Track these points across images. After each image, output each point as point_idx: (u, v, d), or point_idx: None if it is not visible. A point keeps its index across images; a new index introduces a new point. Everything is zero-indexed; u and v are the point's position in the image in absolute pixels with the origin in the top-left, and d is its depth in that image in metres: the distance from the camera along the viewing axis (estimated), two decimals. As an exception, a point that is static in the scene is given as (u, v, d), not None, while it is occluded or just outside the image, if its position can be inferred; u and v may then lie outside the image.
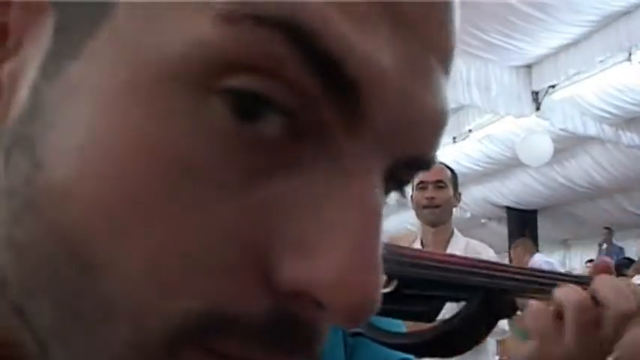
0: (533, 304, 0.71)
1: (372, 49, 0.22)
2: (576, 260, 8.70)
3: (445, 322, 0.68)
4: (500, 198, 8.25)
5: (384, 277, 0.22)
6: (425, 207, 2.18)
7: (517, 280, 0.69)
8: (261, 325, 0.22)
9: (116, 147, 0.22)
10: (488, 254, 2.19)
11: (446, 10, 0.26)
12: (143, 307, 0.22)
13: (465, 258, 0.71)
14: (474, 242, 2.27)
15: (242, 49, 0.21)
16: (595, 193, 7.46)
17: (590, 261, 5.87)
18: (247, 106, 0.22)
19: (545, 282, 0.71)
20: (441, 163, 2.26)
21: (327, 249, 0.22)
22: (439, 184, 2.17)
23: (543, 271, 0.78)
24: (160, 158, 0.21)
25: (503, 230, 8.44)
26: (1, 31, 0.25)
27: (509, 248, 5.83)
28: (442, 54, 0.25)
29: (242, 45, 0.21)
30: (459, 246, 2.18)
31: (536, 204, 8.22)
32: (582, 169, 7.02)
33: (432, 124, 0.25)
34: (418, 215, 2.24)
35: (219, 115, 0.22)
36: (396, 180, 0.26)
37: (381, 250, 0.23)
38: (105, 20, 0.23)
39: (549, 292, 0.70)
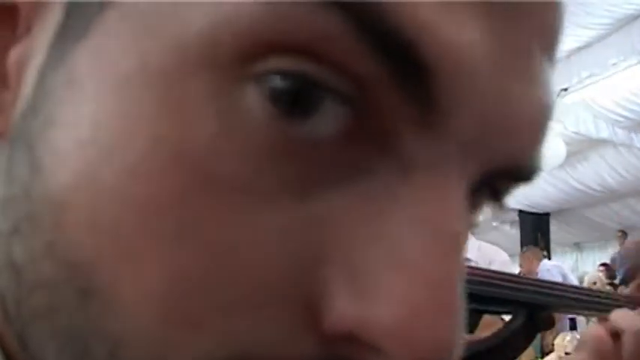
0: (594, 326, 0.75)
1: (457, 27, 0.18)
2: (589, 263, 8.66)
3: (494, 335, 0.71)
4: (512, 201, 8.22)
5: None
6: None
7: (560, 297, 0.74)
8: None
9: (124, 148, 0.18)
10: (501, 257, 2.18)
11: None
12: (157, 349, 0.17)
13: (510, 274, 0.75)
14: (486, 245, 2.26)
15: (286, 24, 0.17)
16: (608, 196, 7.43)
17: (603, 264, 5.85)
18: (292, 97, 0.17)
19: (587, 299, 0.76)
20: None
21: (390, 284, 0.17)
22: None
23: (584, 289, 0.84)
24: (179, 163, 0.17)
25: (515, 233, 8.43)
26: (10, 13, 0.22)
27: (522, 252, 5.85)
28: (548, 38, 0.20)
29: (286, 19, 0.17)
30: (472, 249, 2.17)
31: (548, 207, 8.19)
32: (595, 172, 6.99)
33: (533, 122, 0.20)
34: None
35: (256, 108, 0.17)
36: (490, 189, 0.21)
37: (460, 286, 0.18)
38: (114, 3, 0.19)
39: (592, 309, 0.75)
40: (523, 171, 0.21)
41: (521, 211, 8.30)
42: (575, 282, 3.86)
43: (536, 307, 0.71)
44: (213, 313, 0.17)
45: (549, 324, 0.76)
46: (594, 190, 7.33)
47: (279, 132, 0.17)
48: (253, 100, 0.17)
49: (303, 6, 0.17)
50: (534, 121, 0.20)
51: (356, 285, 0.18)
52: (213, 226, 0.17)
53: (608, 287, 4.51)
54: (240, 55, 0.17)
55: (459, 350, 0.18)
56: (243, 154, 0.17)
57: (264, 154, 0.18)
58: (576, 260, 9.35)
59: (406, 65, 0.17)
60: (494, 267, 2.07)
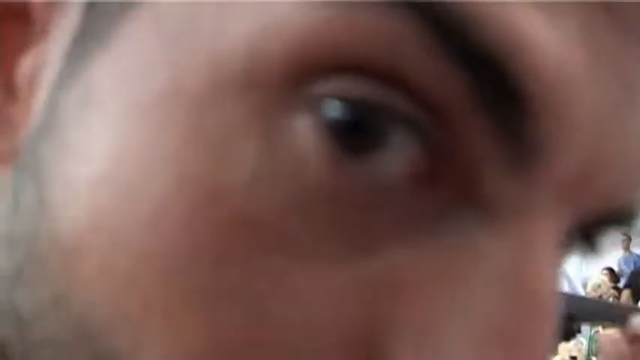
0: (612, 332, 0.80)
1: (561, 49, 0.14)
2: (593, 268, 8.65)
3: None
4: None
5: None
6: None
7: (583, 307, 0.79)
8: None
9: (147, 188, 0.15)
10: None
11: None
12: None
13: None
14: None
15: (349, 35, 0.14)
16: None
17: (608, 269, 5.84)
18: (354, 128, 0.14)
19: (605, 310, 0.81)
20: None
21: (464, 355, 0.14)
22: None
23: (605, 302, 0.90)
24: (213, 208, 0.14)
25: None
26: (21, 14, 0.18)
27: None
28: None
29: (350, 29, 0.14)
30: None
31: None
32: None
33: (631, 171, 0.17)
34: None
35: (308, 141, 0.14)
36: (581, 231, 0.18)
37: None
38: (141, 4, 0.16)
39: (611, 320, 0.79)
40: (624, 214, 0.18)
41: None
42: (579, 287, 3.82)
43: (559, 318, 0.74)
44: None
45: (572, 333, 0.82)
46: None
47: (337, 172, 0.14)
48: (305, 131, 0.14)
49: (371, 11, 0.13)
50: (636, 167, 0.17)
51: (429, 356, 0.15)
52: (254, 285, 0.15)
53: (612, 291, 4.52)
54: (291, 75, 0.14)
55: None
56: (292, 199, 0.14)
57: (318, 199, 0.15)
58: (580, 265, 9.32)
59: (498, 89, 0.14)
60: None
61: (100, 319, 0.15)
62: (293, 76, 0.14)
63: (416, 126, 0.14)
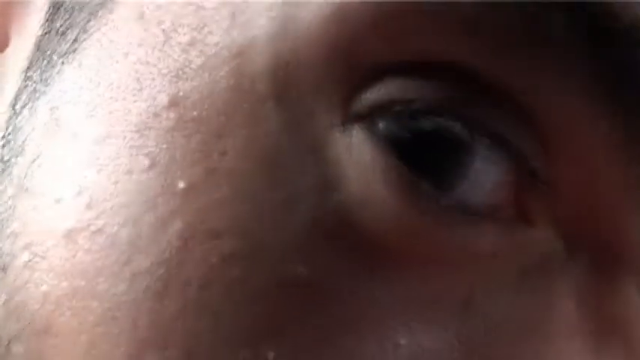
0: None
1: None
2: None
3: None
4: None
5: None
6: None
7: None
8: None
9: (142, 243, 0.11)
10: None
11: None
12: None
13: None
14: None
15: (415, 23, 0.10)
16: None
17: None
18: (426, 151, 0.11)
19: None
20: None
21: None
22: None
23: None
24: (245, 268, 0.10)
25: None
26: None
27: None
28: None
29: (417, 17, 0.10)
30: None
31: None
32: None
33: None
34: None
35: (363, 174, 0.11)
36: None
37: None
38: None
39: None
40: None
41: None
42: None
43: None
44: None
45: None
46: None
47: (408, 216, 0.11)
48: (362, 157, 0.11)
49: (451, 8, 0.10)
50: None
51: None
52: (324, 323, 0.11)
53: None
54: (338, 81, 0.11)
55: None
56: (350, 250, 0.11)
57: (382, 257, 0.11)
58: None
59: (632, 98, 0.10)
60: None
61: None
62: (341, 82, 0.11)
63: (507, 144, 0.11)
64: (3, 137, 0.14)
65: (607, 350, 0.11)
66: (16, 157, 0.13)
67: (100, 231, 0.11)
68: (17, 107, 0.14)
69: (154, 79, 0.11)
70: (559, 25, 0.10)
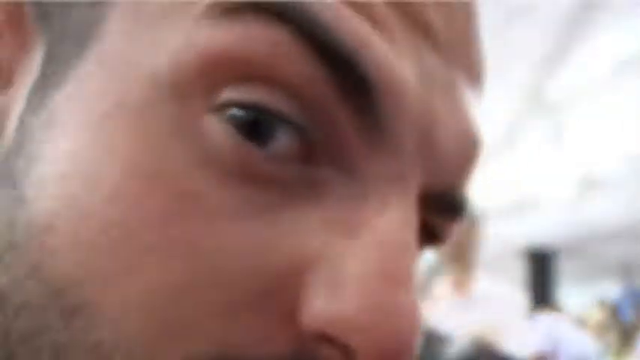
0: None
1: (390, 53, 0.20)
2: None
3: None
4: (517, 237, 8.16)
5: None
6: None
7: None
8: None
9: (104, 177, 0.19)
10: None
11: (471, 23, 0.23)
12: (142, 354, 0.18)
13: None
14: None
15: (240, 50, 0.19)
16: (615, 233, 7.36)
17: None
18: (250, 125, 0.19)
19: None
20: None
21: (356, 285, 0.19)
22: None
23: None
24: (155, 186, 0.19)
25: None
26: None
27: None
28: (470, 72, 0.23)
29: (239, 46, 0.19)
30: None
31: (557, 245, 8.12)
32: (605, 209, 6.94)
33: (459, 149, 0.22)
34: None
35: (219, 135, 0.19)
36: (427, 232, 0.24)
37: (412, 289, 0.20)
38: (93, 41, 0.21)
39: None
40: (453, 200, 0.23)
41: (528, 248, 8.24)
42: (577, 342, 3.46)
43: None
44: (194, 319, 0.19)
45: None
46: (604, 227, 7.26)
47: (241, 157, 0.19)
48: (216, 128, 0.19)
49: (259, 27, 0.19)
50: (462, 149, 0.22)
51: (327, 289, 0.19)
52: (189, 241, 0.19)
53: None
54: (202, 87, 0.19)
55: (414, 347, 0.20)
56: (212, 177, 0.19)
57: (230, 177, 0.19)
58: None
59: (353, 82, 0.19)
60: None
61: (69, 279, 0.19)
62: (203, 88, 0.19)
63: (299, 116, 0.20)
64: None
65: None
66: (24, 140, 0.22)
67: (83, 170, 0.20)
68: (24, 117, 0.22)
69: (110, 92, 0.20)
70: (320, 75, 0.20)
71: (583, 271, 8.82)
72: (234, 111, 0.19)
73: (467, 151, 0.22)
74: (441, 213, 0.23)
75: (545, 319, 3.39)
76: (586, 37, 3.22)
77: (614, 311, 4.96)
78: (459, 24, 0.22)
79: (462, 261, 2.16)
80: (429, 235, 0.24)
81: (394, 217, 0.20)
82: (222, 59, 0.19)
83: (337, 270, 0.19)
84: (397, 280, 0.19)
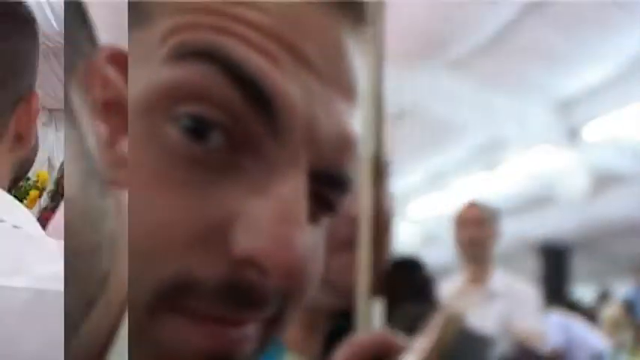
0: None
1: (281, 80, 0.31)
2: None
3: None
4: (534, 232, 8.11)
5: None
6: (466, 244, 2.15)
7: None
8: (221, 286, 0.31)
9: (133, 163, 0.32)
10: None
11: (340, 49, 0.33)
12: (132, 279, 0.30)
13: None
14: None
15: (187, 81, 0.30)
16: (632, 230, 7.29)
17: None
18: (195, 129, 0.30)
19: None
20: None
21: (267, 229, 0.30)
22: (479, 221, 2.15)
23: None
24: (143, 168, 0.31)
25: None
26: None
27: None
28: (341, 86, 0.33)
29: (186, 79, 0.30)
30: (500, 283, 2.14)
31: (570, 241, 8.07)
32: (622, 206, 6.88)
33: (334, 142, 0.33)
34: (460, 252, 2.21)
35: (175, 136, 0.31)
36: (322, 199, 0.34)
37: (302, 230, 0.31)
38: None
39: None
40: (335, 176, 0.34)
41: (542, 243, 8.18)
42: (591, 340, 3.40)
43: None
44: (164, 251, 0.30)
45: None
46: (620, 224, 7.20)
47: (188, 151, 0.31)
48: (173, 132, 0.31)
49: (196, 65, 0.30)
50: (336, 142, 0.33)
51: (247, 229, 0.31)
52: (160, 200, 0.30)
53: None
54: (163, 106, 0.31)
55: (303, 262, 0.31)
56: (171, 163, 0.31)
57: (182, 163, 0.31)
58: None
59: (259, 98, 0.31)
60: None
61: None
62: (164, 105, 0.31)
63: (225, 122, 0.31)
64: None
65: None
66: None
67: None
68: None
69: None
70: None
71: (597, 267, 8.75)
72: (185, 121, 0.30)
73: (340, 143, 0.33)
74: (329, 185, 0.34)
75: (559, 316, 3.38)
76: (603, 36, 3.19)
77: (629, 309, 4.92)
78: (331, 50, 0.33)
79: (478, 258, 2.16)
80: (326, 204, 0.35)
81: (290, 184, 0.31)
82: (175, 87, 0.30)
83: (252, 218, 0.31)
84: (291, 223, 0.31)
